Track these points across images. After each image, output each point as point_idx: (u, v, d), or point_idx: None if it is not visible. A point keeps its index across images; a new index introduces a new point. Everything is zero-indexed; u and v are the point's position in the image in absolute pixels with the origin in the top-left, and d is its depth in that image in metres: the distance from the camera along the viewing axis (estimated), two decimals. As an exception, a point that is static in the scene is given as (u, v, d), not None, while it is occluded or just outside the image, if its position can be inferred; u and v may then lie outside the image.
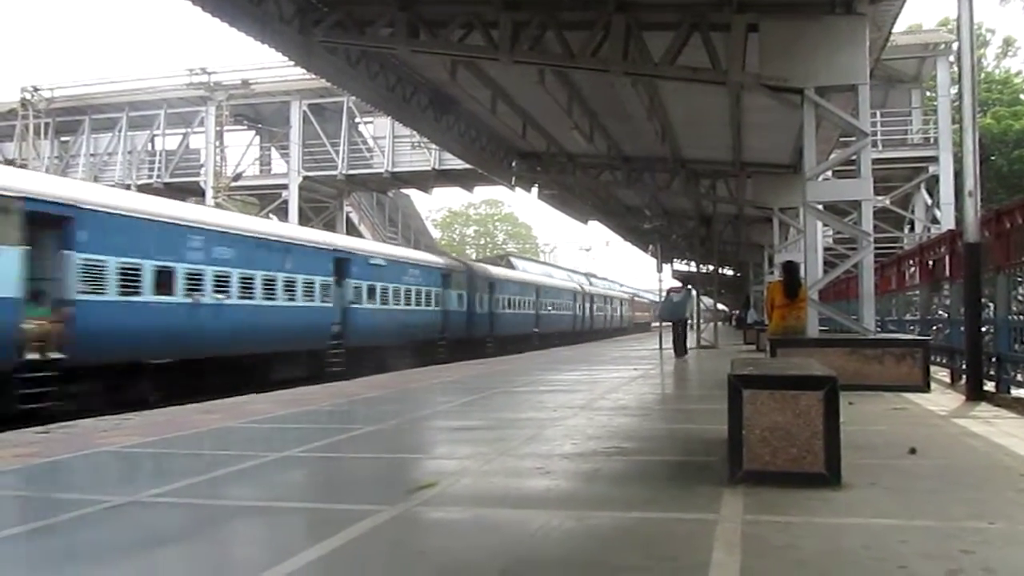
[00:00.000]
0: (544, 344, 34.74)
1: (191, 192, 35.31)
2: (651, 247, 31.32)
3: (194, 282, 16.13)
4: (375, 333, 23.09)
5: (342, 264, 21.99)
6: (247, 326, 17.60)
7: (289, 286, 19.19)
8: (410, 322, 26.08)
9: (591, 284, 55.99)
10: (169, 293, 15.42)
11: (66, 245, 13.23)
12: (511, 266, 42.45)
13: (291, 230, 23.11)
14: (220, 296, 16.84)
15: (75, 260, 13.26)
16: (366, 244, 26.85)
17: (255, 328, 17.80)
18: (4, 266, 11.95)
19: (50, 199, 13.03)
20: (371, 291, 23.72)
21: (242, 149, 38.55)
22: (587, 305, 49.97)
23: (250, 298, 17.83)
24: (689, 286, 25.04)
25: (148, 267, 14.92)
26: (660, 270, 26.51)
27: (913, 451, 5.41)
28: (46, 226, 12.82)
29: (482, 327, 31.69)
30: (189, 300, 15.91)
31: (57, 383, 12.56)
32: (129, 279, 14.45)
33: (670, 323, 21.14)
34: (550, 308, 41.97)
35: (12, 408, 11.65)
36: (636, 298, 71.76)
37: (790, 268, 11.78)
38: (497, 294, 33.61)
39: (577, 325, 46.68)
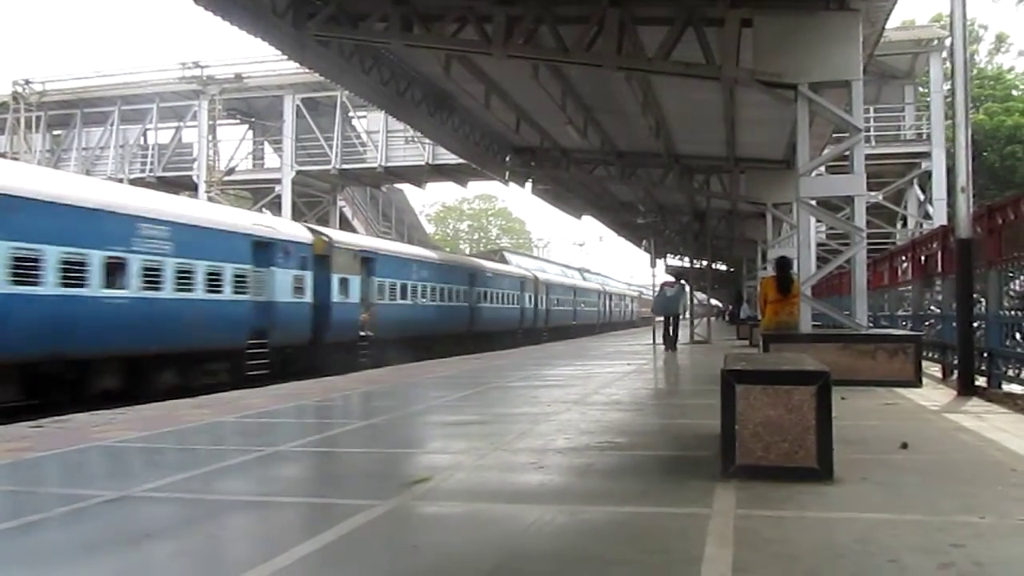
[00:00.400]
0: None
1: (184, 187, 35.21)
2: (645, 242, 31.37)
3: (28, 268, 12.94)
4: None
5: (265, 250, 18.97)
6: (118, 321, 14.62)
7: (184, 275, 16.19)
8: (385, 317, 24.38)
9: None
10: None
11: None
12: (504, 261, 42.56)
13: (189, 207, 19.45)
14: (74, 284, 13.68)
15: None
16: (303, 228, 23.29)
17: (131, 325, 14.85)
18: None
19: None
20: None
21: (235, 143, 38.48)
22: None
23: (122, 288, 14.72)
24: (683, 281, 25.06)
25: None
26: (654, 265, 26.57)
27: (905, 446, 5.43)
28: None
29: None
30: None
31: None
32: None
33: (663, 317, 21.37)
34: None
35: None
36: (642, 295, 73.12)
37: (782, 264, 11.85)
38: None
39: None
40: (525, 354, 20.91)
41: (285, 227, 21.58)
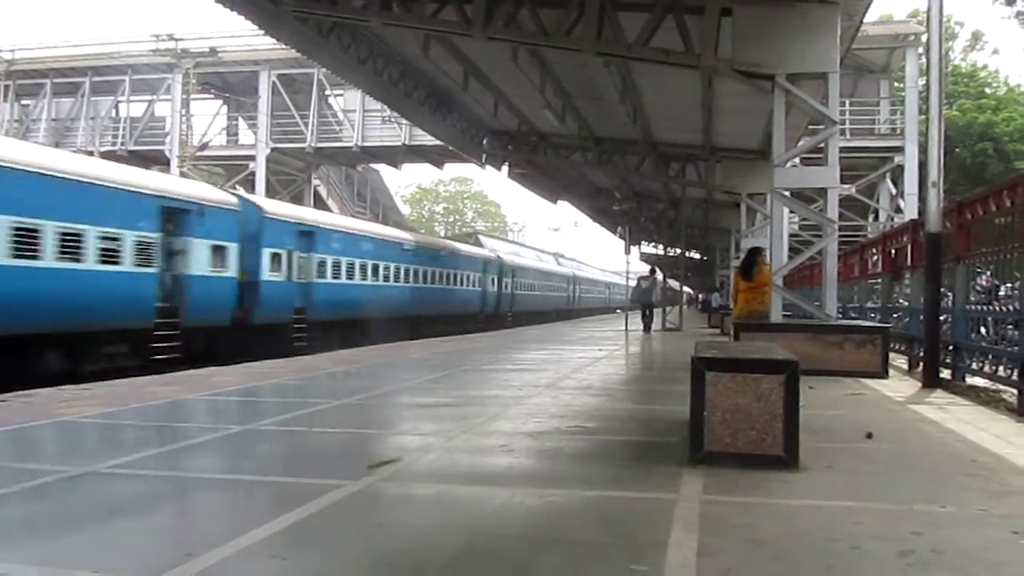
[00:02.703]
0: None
1: (156, 161, 34.74)
2: (620, 229, 31.47)
3: None
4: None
5: (178, 217, 16.93)
6: None
7: (71, 242, 14.07)
8: (322, 296, 22.39)
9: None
10: None
11: None
12: (479, 244, 42.35)
13: (80, 163, 16.43)
14: None
15: None
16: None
17: None
18: None
19: None
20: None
21: (209, 118, 38.03)
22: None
23: None
24: (657, 274, 26.92)
25: None
26: (628, 252, 26.68)
27: (870, 436, 5.52)
28: None
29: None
30: None
31: None
32: None
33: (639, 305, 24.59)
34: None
35: None
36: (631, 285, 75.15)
37: (750, 252, 12.30)
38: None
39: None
40: (501, 337, 20.95)
41: (204, 191, 19.24)
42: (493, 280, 37.92)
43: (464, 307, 34.06)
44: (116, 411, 6.94)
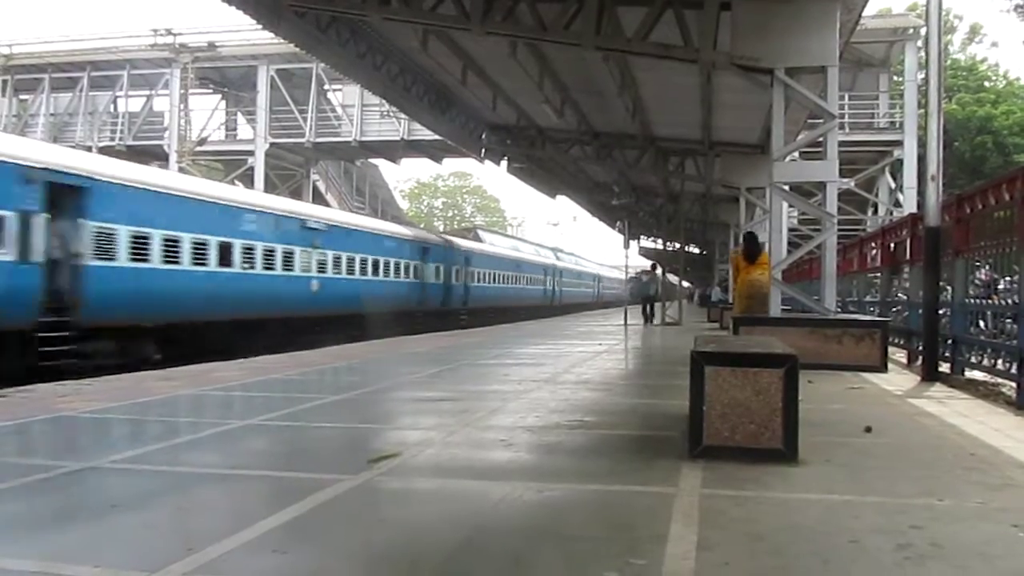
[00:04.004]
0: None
1: (154, 156, 34.67)
2: (618, 223, 31.46)
3: None
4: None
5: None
6: None
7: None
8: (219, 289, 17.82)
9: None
10: None
11: None
12: (478, 239, 41.56)
13: None
14: None
15: None
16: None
17: None
18: None
19: None
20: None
21: (207, 113, 37.93)
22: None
23: None
24: (657, 270, 27.80)
25: None
26: (627, 247, 26.67)
27: (868, 429, 5.52)
28: None
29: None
30: None
31: None
32: None
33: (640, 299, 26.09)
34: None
35: None
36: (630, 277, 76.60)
37: (750, 236, 13.38)
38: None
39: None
40: (501, 332, 20.95)
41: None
42: (439, 270, 31.07)
43: (386, 303, 25.06)
44: (116, 406, 6.95)
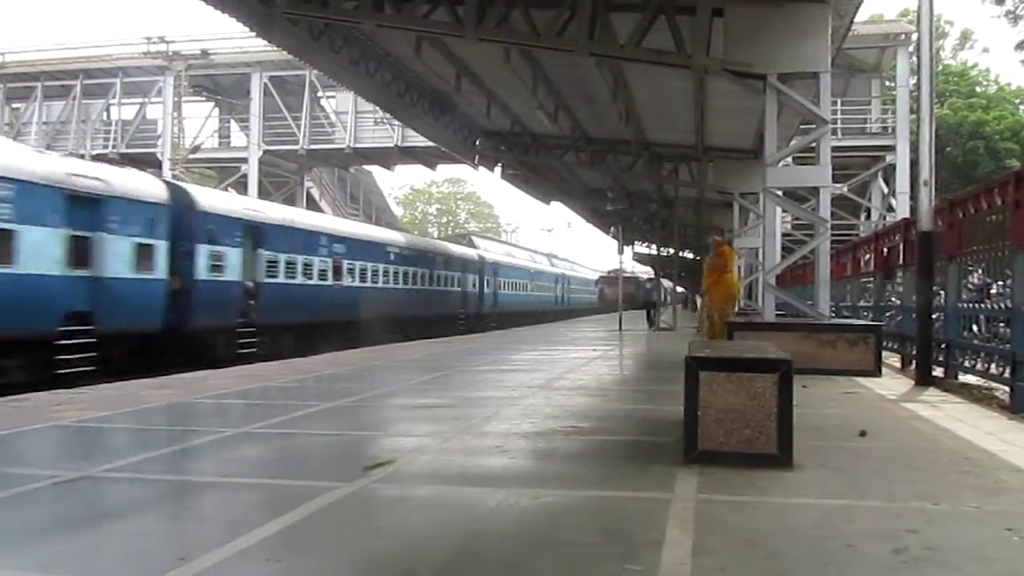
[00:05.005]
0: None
1: (148, 163, 34.59)
2: (613, 229, 31.54)
3: None
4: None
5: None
6: None
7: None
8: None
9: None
10: None
11: None
12: (472, 245, 41.96)
13: None
14: None
15: None
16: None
17: None
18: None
19: None
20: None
21: (201, 121, 37.89)
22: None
23: None
24: (660, 277, 29.64)
25: None
26: (621, 252, 26.74)
27: (863, 434, 5.53)
28: None
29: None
30: None
31: None
32: None
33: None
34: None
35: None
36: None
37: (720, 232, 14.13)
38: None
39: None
40: (494, 338, 20.93)
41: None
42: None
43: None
44: (109, 415, 6.92)
